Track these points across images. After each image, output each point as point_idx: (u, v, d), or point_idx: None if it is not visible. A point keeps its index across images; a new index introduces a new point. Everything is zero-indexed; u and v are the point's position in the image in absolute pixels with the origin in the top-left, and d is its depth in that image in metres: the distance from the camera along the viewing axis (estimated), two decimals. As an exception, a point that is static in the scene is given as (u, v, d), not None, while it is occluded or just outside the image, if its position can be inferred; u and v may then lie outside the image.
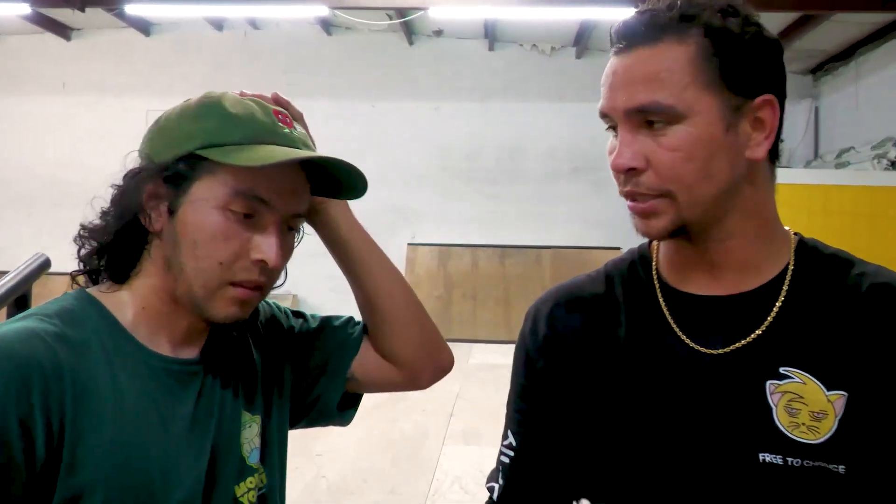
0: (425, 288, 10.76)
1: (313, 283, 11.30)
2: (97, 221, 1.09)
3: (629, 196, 0.99)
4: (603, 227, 10.99)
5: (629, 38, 0.97)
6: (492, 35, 10.71)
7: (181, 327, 1.08)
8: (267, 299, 1.25)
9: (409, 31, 10.80)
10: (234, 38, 11.25)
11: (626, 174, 0.97)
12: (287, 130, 1.07)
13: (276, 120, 1.07)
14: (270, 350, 1.24)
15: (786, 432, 0.94)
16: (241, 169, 1.00)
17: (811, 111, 9.73)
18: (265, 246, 1.03)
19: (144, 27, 11.07)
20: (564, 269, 10.69)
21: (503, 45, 11.11)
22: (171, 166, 1.03)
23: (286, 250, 1.08)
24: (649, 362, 1.03)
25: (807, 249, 1.06)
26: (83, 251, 1.09)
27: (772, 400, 0.95)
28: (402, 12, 9.47)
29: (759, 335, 0.99)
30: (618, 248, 10.76)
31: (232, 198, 1.01)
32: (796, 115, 9.77)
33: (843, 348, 0.96)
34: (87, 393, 0.94)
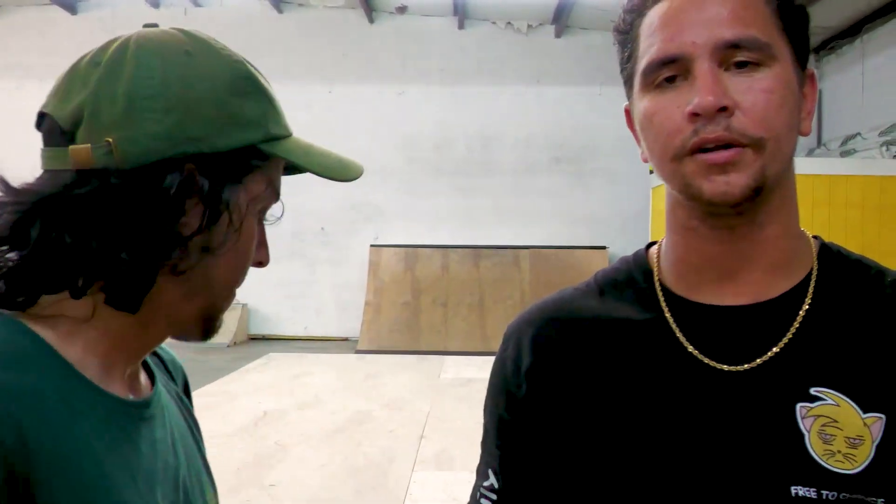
0: (390, 295, 10.75)
1: (264, 292, 11.27)
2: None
3: (709, 143, 0.92)
4: (588, 223, 11.06)
5: None
6: (462, 11, 10.74)
7: (137, 356, 0.97)
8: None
9: (370, 8, 10.80)
10: (172, 16, 11.18)
11: (715, 115, 0.91)
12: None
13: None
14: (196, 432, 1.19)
15: (820, 461, 0.91)
16: (277, 167, 0.98)
17: (814, 94, 9.85)
18: (265, 248, 1.03)
19: (71, 4, 10.97)
20: (545, 272, 10.74)
21: (474, 22, 11.14)
22: (227, 159, 0.90)
23: None
24: (659, 386, 1.00)
25: (831, 254, 1.05)
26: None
27: (803, 425, 0.93)
28: (361, -14, 9.46)
29: (783, 349, 0.97)
30: (604, 248, 10.83)
31: (270, 199, 0.99)
32: (798, 99, 9.88)
33: (879, 365, 0.94)
34: (57, 463, 0.81)
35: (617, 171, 10.88)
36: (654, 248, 1.12)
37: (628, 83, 1.02)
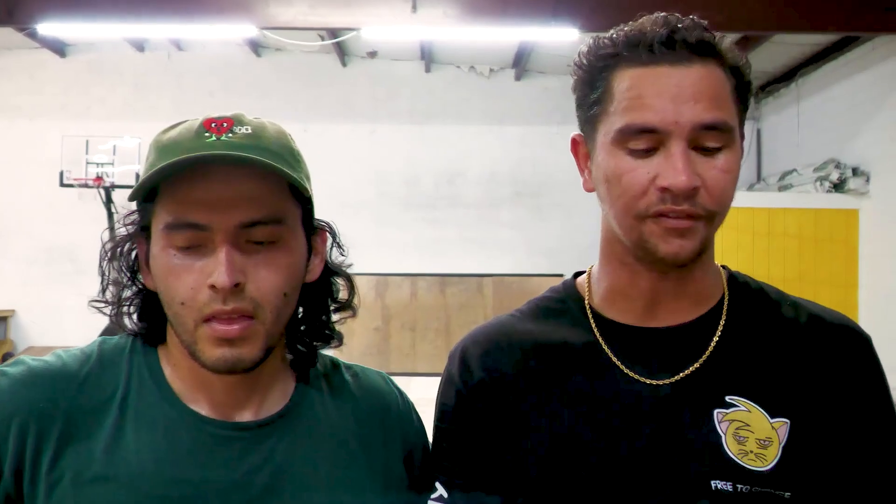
0: (362, 320, 10.62)
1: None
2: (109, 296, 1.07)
3: (679, 216, 0.96)
4: (546, 253, 11.10)
5: (684, 52, 0.96)
6: (428, 56, 10.80)
7: (221, 386, 1.02)
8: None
9: (343, 53, 10.82)
10: (156, 59, 11.12)
11: (687, 193, 0.95)
12: (213, 138, 0.96)
13: (205, 130, 0.97)
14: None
15: (735, 459, 0.98)
16: (170, 199, 0.95)
17: (753, 133, 10.01)
18: (210, 268, 0.93)
19: (59, 48, 10.87)
20: (507, 298, 10.74)
21: (440, 66, 11.20)
22: (136, 219, 1.03)
23: (258, 267, 0.96)
24: (594, 400, 1.04)
25: (738, 282, 1.11)
26: (121, 320, 1.07)
27: (720, 428, 0.99)
28: (334, 33, 9.48)
29: (702, 364, 1.03)
30: (561, 276, 10.83)
31: (168, 234, 0.95)
32: (739, 138, 10.02)
33: (783, 378, 1.01)
34: (81, 438, 0.95)
35: (573, 205, 10.94)
36: (582, 278, 1.18)
37: (591, 121, 1.03)
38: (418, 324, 10.66)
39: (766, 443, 0.98)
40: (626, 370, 1.05)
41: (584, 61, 1.04)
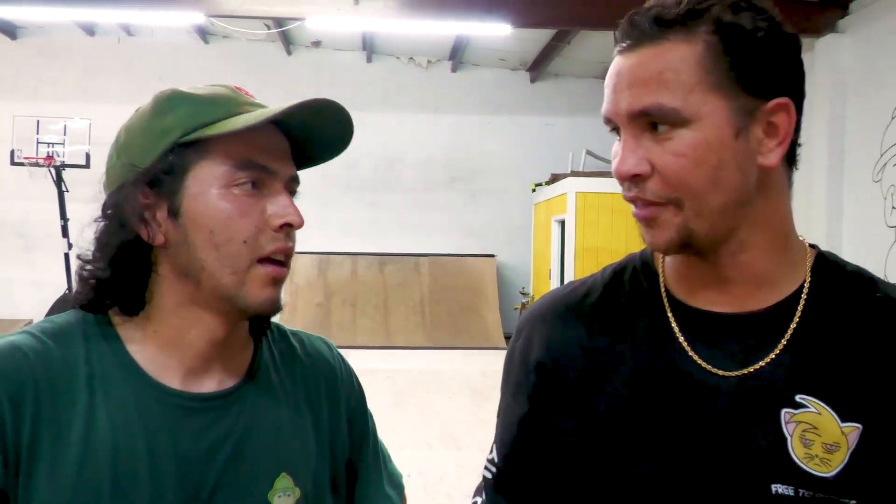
0: (305, 296, 10.87)
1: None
2: (90, 255, 0.99)
3: (632, 201, 0.92)
4: (478, 235, 11.43)
5: (634, 37, 0.90)
6: (370, 47, 11.02)
7: (196, 351, 0.99)
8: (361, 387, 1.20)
9: (288, 41, 10.98)
10: (106, 43, 11.13)
11: (631, 180, 0.90)
12: (253, 100, 1.02)
13: (241, 93, 1.03)
14: (345, 437, 1.14)
15: (800, 464, 0.89)
16: (234, 142, 0.94)
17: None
18: (283, 209, 0.97)
19: (10, 30, 10.86)
20: (442, 277, 11.02)
21: (381, 57, 11.42)
22: (157, 166, 0.94)
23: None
24: (659, 384, 0.97)
25: (825, 265, 0.99)
26: (83, 287, 0.99)
27: (787, 429, 0.90)
28: (279, 22, 9.61)
29: (774, 358, 0.93)
30: (493, 256, 11.20)
31: (234, 172, 0.94)
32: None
33: (861, 377, 0.90)
34: (54, 419, 0.90)
35: (504, 190, 11.28)
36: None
37: None
38: (358, 300, 10.88)
39: (833, 448, 0.88)
40: (695, 357, 0.95)
41: None
